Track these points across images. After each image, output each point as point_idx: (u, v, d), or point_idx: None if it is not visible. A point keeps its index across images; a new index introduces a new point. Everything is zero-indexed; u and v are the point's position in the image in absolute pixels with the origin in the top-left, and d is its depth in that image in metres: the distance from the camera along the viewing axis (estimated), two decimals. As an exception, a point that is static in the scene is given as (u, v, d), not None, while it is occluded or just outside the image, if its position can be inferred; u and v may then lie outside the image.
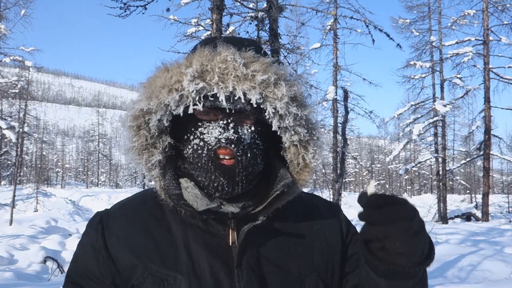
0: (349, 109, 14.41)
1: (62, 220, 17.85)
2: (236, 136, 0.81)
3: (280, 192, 0.85)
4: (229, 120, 0.81)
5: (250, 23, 8.66)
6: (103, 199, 26.26)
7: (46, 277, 8.13)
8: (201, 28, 10.29)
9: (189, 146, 0.84)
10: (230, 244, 0.85)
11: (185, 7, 9.08)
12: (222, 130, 0.81)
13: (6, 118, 20.43)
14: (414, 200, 36.26)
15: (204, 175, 0.83)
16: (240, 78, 0.78)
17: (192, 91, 0.78)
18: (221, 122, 0.81)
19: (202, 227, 0.86)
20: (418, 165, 25.78)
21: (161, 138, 0.84)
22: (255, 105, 0.80)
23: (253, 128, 0.84)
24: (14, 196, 16.14)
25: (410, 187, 53.41)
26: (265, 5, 7.68)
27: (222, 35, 0.94)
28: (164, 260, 0.83)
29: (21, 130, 16.73)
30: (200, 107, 0.79)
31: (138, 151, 0.85)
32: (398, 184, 56.65)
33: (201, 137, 0.83)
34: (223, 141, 0.81)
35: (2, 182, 31.58)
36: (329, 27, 16.28)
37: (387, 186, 54.22)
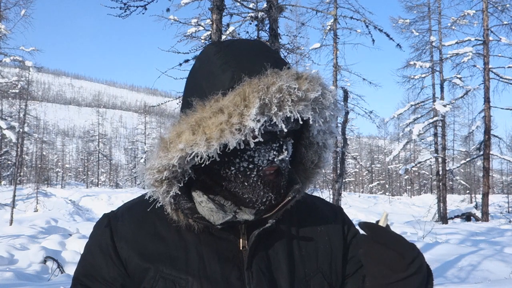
0: (349, 109, 14.42)
1: (62, 220, 17.86)
2: (288, 155, 0.83)
3: (291, 197, 0.86)
4: (281, 142, 0.82)
5: (250, 23, 8.66)
6: (103, 199, 26.24)
7: (46, 277, 8.13)
8: (201, 28, 10.29)
9: (232, 168, 0.83)
10: (241, 248, 0.86)
11: (185, 7, 9.08)
12: (277, 153, 0.82)
13: (6, 118, 20.45)
14: (414, 200, 36.30)
15: (251, 192, 0.83)
16: (295, 102, 0.77)
17: (256, 129, 0.75)
18: (274, 145, 0.82)
19: (212, 232, 0.87)
20: (418, 165, 25.79)
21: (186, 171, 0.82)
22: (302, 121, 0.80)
23: (292, 141, 0.86)
24: (14, 196, 16.15)
25: (410, 187, 53.42)
26: (265, 5, 7.68)
27: (230, 39, 0.89)
28: (175, 263, 0.83)
29: (21, 130, 16.73)
30: (260, 138, 0.77)
31: (158, 180, 0.81)
32: (398, 184, 56.67)
33: (250, 160, 0.82)
34: (277, 163, 0.82)
35: (2, 182, 31.58)
36: (329, 27, 16.27)
37: (387, 186, 54.23)
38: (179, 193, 0.82)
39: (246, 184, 0.82)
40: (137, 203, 0.93)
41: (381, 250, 0.74)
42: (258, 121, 0.74)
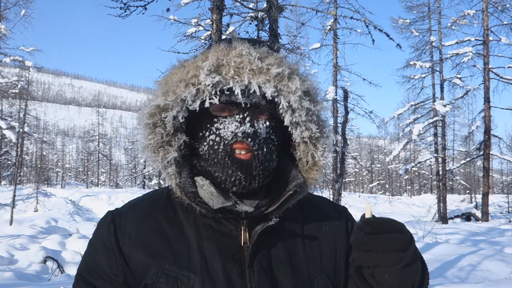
0: (349, 109, 14.42)
1: (62, 220, 17.85)
2: (253, 129, 0.82)
3: (293, 192, 0.86)
4: (245, 114, 0.82)
5: (250, 23, 8.67)
6: (103, 199, 26.21)
7: (46, 277, 8.13)
8: (201, 28, 10.30)
9: (205, 143, 0.85)
10: (242, 244, 0.86)
11: (185, 7, 9.09)
12: (239, 124, 0.82)
13: (6, 118, 20.44)
14: (414, 200, 36.28)
15: (221, 170, 0.84)
16: (255, 72, 0.79)
17: (209, 85, 0.79)
18: (237, 116, 0.83)
19: (214, 227, 0.87)
20: (418, 165, 25.79)
21: (176, 136, 0.85)
22: (269, 98, 0.82)
23: (268, 123, 0.85)
24: (14, 196, 16.14)
25: (410, 187, 53.39)
26: (265, 5, 7.68)
27: (234, 37, 0.95)
28: (178, 260, 0.84)
29: (21, 130, 16.72)
30: (216, 100, 0.80)
31: (154, 148, 0.85)
32: (398, 184, 56.65)
33: (217, 132, 0.84)
34: (240, 135, 0.82)
35: (2, 182, 31.57)
36: (329, 27, 16.28)
37: (387, 186, 54.22)
38: (176, 155, 0.85)
39: (216, 160, 0.84)
40: (141, 201, 0.94)
41: (380, 238, 0.72)
42: (213, 78, 0.79)
